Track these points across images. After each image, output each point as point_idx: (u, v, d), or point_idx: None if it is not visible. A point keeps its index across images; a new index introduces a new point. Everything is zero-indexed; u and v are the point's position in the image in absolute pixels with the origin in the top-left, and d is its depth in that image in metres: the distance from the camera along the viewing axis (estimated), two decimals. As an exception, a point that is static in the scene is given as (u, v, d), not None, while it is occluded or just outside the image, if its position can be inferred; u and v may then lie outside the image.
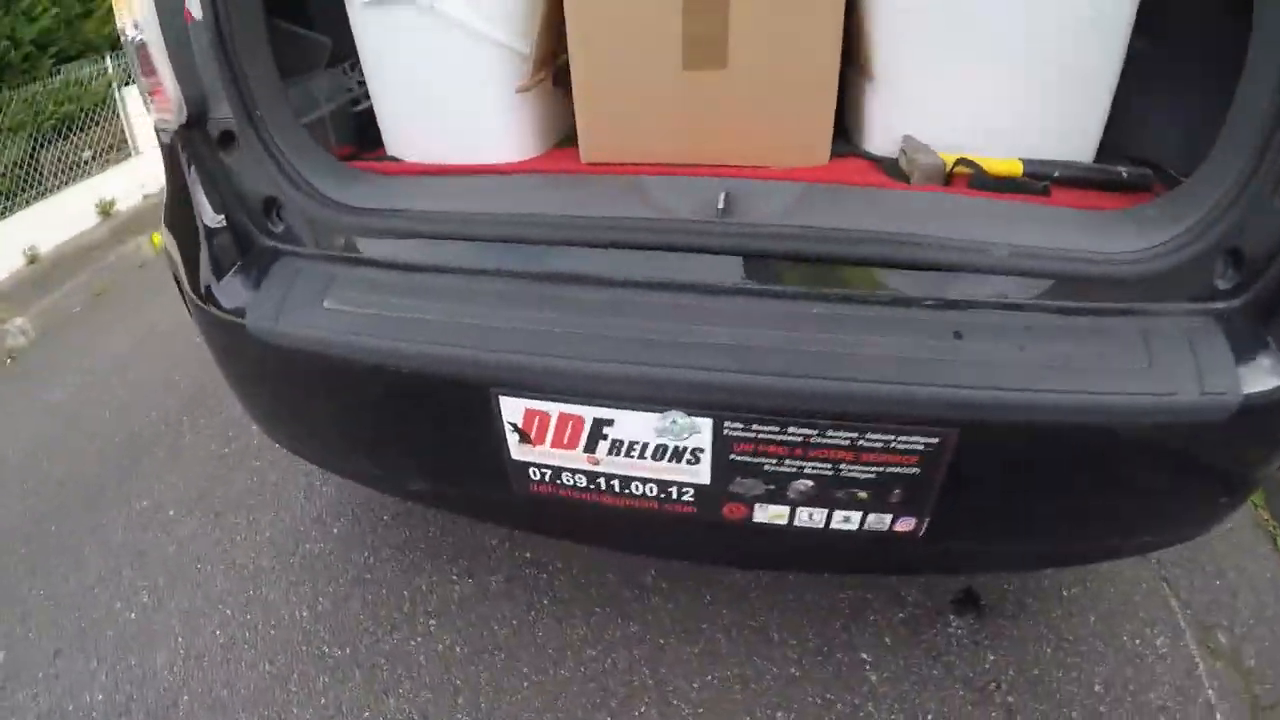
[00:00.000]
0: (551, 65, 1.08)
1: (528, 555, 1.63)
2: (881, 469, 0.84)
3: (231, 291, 1.03)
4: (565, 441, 0.85)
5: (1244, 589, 1.71)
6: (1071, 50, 0.98)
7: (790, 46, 0.93)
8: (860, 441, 0.81)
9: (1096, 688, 1.42)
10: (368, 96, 1.29)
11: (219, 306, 1.03)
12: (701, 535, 0.96)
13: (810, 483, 0.84)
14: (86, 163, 3.88)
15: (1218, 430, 0.81)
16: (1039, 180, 1.00)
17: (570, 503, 0.93)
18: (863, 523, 0.90)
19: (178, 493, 1.91)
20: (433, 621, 1.48)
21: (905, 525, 0.90)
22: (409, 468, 1.10)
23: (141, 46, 1.01)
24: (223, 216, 1.07)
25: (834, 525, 0.90)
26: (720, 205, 0.86)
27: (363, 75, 1.25)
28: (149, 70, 1.02)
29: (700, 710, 1.35)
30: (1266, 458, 0.91)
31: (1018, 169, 1.02)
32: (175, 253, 1.16)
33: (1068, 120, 1.04)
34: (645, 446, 0.83)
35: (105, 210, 3.70)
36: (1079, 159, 1.07)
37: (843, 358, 0.77)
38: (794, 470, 0.83)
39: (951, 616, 1.54)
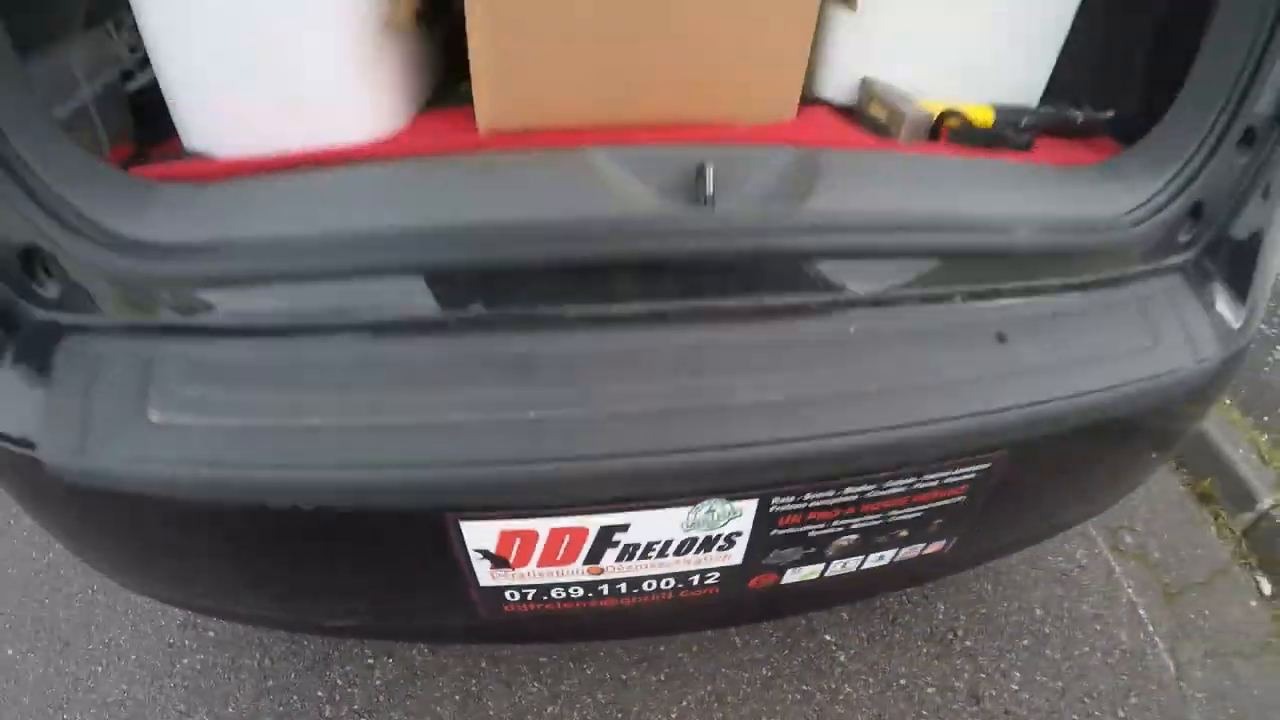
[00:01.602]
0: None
1: (447, 619, 1.34)
2: (929, 505, 0.67)
3: (6, 411, 0.62)
4: (558, 558, 0.60)
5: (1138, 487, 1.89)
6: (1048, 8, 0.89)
7: None
8: (916, 485, 0.63)
9: (1037, 611, 1.48)
10: (145, 67, 0.85)
11: None
12: (711, 610, 0.74)
13: (855, 537, 0.65)
14: None
15: (1202, 388, 0.81)
16: (1013, 130, 0.85)
17: (557, 614, 0.67)
18: (896, 555, 0.73)
19: (10, 625, 1.40)
20: (365, 720, 1.16)
21: (936, 547, 0.76)
22: (317, 608, 0.76)
23: None
24: None
25: (865, 565, 0.72)
26: (706, 186, 0.60)
27: (136, 37, 0.80)
28: None
29: (688, 744, 1.17)
30: (1222, 392, 0.93)
31: (990, 117, 0.90)
32: None
33: (1028, 68, 0.93)
34: (668, 544, 0.60)
35: None
36: (1029, 101, 0.97)
37: (904, 395, 0.59)
38: (840, 529, 0.64)
39: (896, 573, 1.46)
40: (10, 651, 1.35)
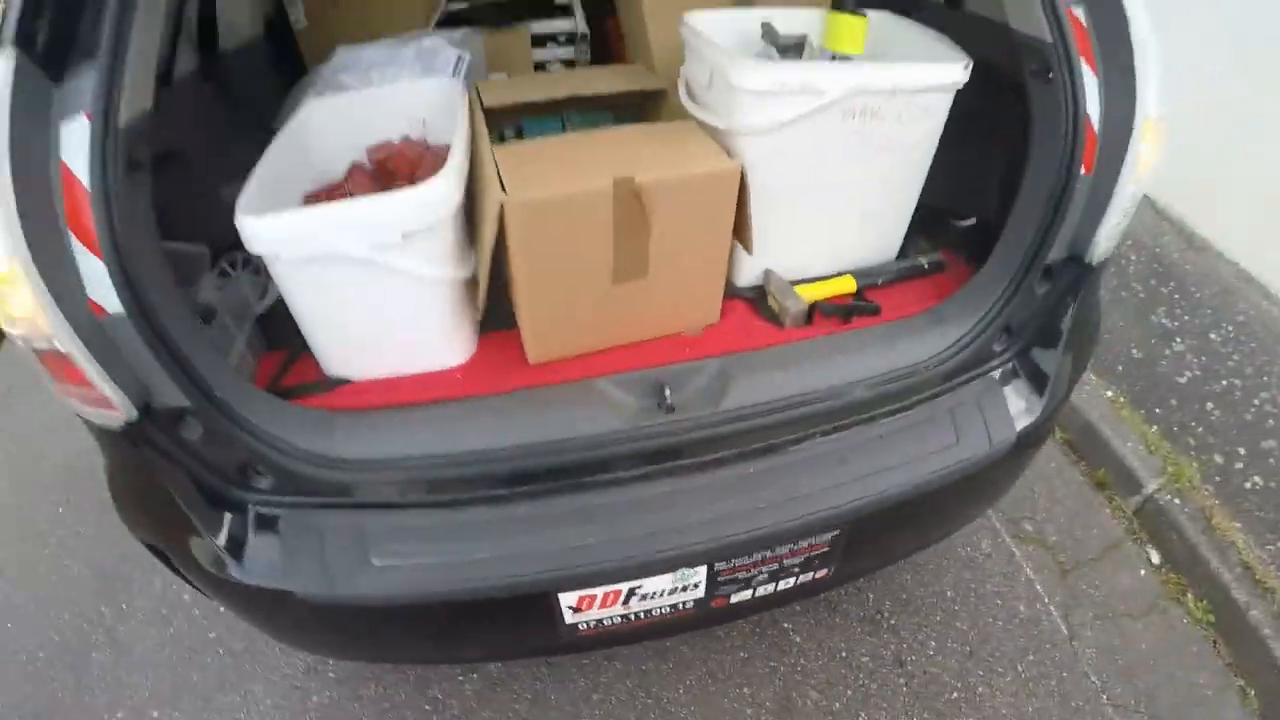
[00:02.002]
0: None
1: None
2: (807, 555, 1.39)
3: (260, 566, 1.21)
4: (608, 604, 1.31)
5: (1038, 481, 2.55)
6: (891, 200, 1.57)
7: (694, 255, 1.38)
8: (794, 548, 1.36)
9: (948, 593, 2.19)
10: (264, 295, 1.53)
11: (252, 583, 1.20)
12: (692, 619, 1.46)
13: (766, 574, 1.38)
14: None
15: (1006, 459, 1.45)
16: (868, 292, 1.58)
17: (605, 632, 1.39)
18: (796, 581, 1.45)
19: (150, 691, 1.99)
20: (463, 724, 1.89)
21: (822, 574, 1.48)
22: (469, 650, 1.48)
23: (56, 355, 1.02)
24: (206, 494, 1.21)
25: (779, 588, 1.45)
26: (666, 399, 1.29)
27: (249, 268, 1.48)
28: (76, 379, 1.04)
29: (693, 708, 1.92)
30: (1030, 457, 1.61)
31: (852, 285, 1.59)
32: (156, 537, 1.30)
33: (884, 239, 1.66)
34: (663, 591, 1.31)
35: None
36: (891, 256, 1.69)
37: (784, 503, 1.29)
38: (756, 572, 1.36)
39: (840, 573, 2.17)
40: (155, 714, 1.92)
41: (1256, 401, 2.71)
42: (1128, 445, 2.57)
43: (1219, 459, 2.54)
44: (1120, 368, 2.80)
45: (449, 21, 2.29)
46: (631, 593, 1.31)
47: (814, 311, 1.51)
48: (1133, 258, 3.19)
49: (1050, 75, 1.34)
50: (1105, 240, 1.39)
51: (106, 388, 1.05)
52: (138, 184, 1.11)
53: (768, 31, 1.55)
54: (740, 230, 1.41)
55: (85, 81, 1.04)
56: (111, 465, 1.31)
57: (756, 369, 1.36)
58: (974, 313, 1.45)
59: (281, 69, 2.01)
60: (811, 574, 1.45)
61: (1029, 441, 1.49)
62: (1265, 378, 2.79)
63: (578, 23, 2.45)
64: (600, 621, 1.37)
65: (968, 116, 1.49)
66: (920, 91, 1.41)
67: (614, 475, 1.28)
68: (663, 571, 1.28)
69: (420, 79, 1.63)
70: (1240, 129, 3.10)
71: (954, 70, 1.41)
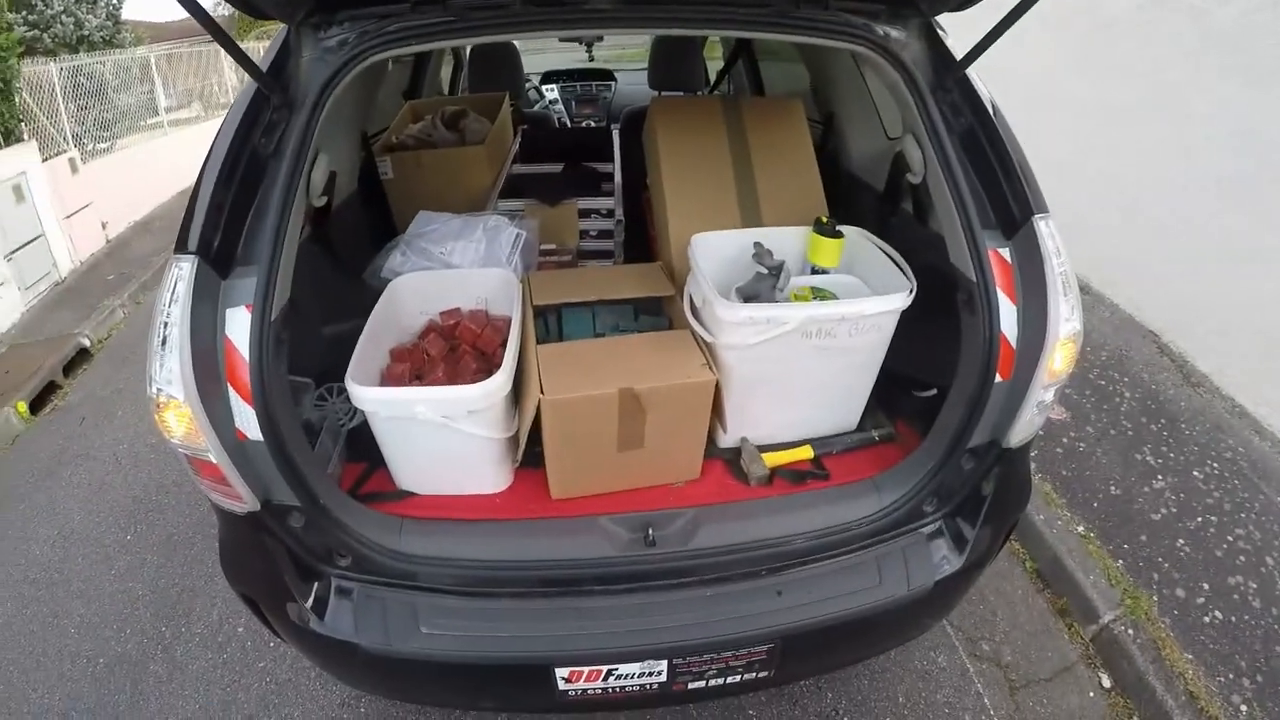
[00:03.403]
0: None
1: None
2: (749, 659, 2.19)
3: (336, 623, 1.90)
4: (591, 679, 2.12)
5: (1002, 606, 3.22)
6: (847, 389, 2.34)
7: (679, 434, 2.18)
8: (738, 653, 2.15)
9: (900, 699, 2.88)
10: (353, 417, 2.37)
11: (329, 635, 1.89)
12: (658, 698, 2.26)
13: (715, 670, 2.19)
14: None
15: (922, 601, 2.19)
16: (824, 459, 2.35)
17: (588, 700, 2.22)
18: (741, 678, 2.26)
19: (200, 707, 2.74)
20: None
21: (764, 673, 2.27)
22: (486, 701, 2.31)
23: (207, 464, 1.67)
24: (301, 566, 1.89)
25: (728, 681, 2.26)
26: (649, 536, 2.12)
27: (342, 396, 2.29)
28: (220, 480, 1.70)
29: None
30: (950, 601, 2.35)
31: (809, 453, 2.36)
32: (254, 592, 2.00)
33: (842, 415, 2.42)
34: (634, 674, 2.12)
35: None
36: (851, 426, 2.46)
37: (729, 620, 2.07)
38: (707, 668, 2.18)
39: (805, 671, 2.94)
40: (203, 727, 2.81)
41: (1230, 538, 3.33)
42: (1090, 578, 3.25)
43: (1181, 593, 3.19)
44: (1095, 504, 3.51)
45: (511, 187, 3.22)
46: (610, 672, 2.12)
47: (775, 475, 2.31)
48: (1126, 394, 3.89)
49: (974, 307, 2.09)
50: (1021, 430, 2.12)
51: (241, 489, 1.73)
52: (279, 355, 1.91)
53: (759, 252, 2.37)
54: (717, 416, 2.23)
55: (247, 282, 1.73)
56: (225, 535, 2.01)
57: (722, 519, 2.16)
58: (906, 483, 2.20)
59: (371, 212, 2.87)
60: (754, 674, 2.23)
61: (946, 589, 2.21)
62: (1242, 514, 3.40)
63: (617, 212, 3.39)
64: (585, 691, 2.17)
65: (931, 301, 2.21)
66: (867, 316, 2.21)
67: (604, 587, 2.09)
68: (633, 661, 2.08)
69: (485, 267, 2.49)
70: (1242, 264, 3.74)
71: (896, 300, 2.18)
